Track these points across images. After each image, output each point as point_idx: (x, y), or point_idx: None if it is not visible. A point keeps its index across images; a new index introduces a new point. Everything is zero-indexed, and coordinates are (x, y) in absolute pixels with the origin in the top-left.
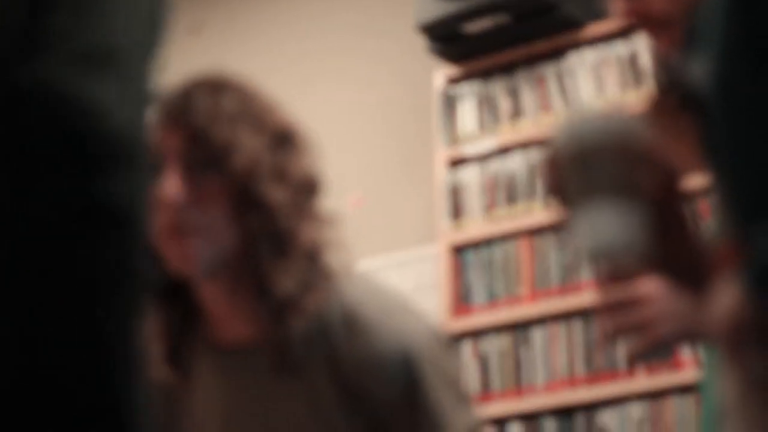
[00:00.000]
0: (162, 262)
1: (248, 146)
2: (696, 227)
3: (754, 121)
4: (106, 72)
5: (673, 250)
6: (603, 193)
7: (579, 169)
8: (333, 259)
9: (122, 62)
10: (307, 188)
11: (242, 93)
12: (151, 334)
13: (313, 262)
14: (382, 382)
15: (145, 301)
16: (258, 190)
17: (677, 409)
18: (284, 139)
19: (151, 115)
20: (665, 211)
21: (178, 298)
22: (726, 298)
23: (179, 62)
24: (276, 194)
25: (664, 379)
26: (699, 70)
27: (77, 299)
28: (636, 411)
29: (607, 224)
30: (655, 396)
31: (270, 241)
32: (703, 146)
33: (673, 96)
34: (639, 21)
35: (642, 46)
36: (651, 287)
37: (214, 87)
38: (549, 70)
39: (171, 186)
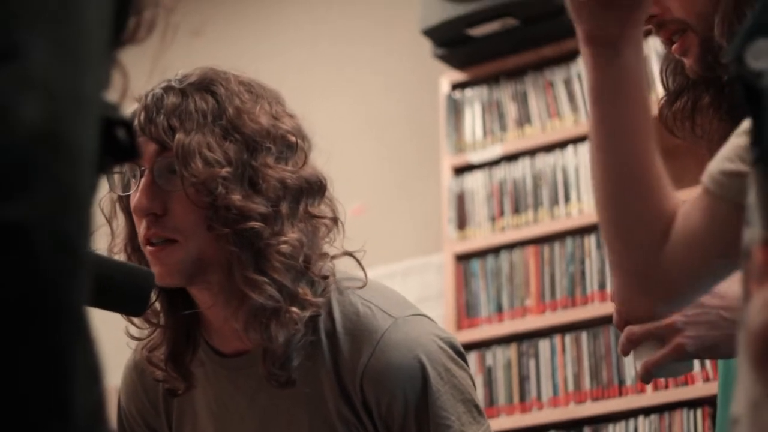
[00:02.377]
0: (153, 277)
1: (207, 151)
2: None
3: None
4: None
5: None
6: None
7: None
8: (333, 267)
9: (27, 54)
10: (291, 192)
11: (217, 94)
12: (157, 338)
13: (299, 270)
14: (394, 394)
15: (77, 332)
16: (222, 196)
17: (686, 423)
18: (260, 144)
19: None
20: None
21: (182, 305)
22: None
23: (180, 65)
24: (241, 200)
25: (672, 393)
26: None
27: None
28: (644, 426)
29: None
30: (663, 410)
31: (246, 249)
32: (756, 145)
33: (685, 100)
34: (653, 26)
35: (650, 51)
36: None
37: (189, 89)
38: (557, 76)
39: (141, 197)
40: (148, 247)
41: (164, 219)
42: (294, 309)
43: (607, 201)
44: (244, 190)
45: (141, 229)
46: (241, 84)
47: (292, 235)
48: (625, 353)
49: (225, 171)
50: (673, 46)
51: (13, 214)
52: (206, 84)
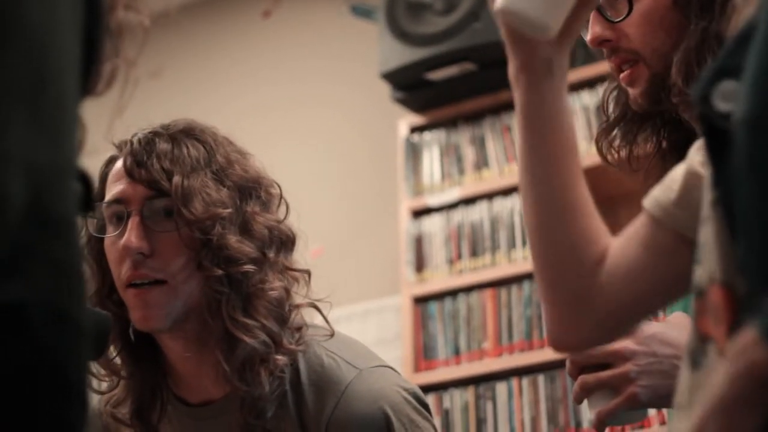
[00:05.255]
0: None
1: (207, 193)
2: None
3: None
4: None
5: None
6: None
7: None
8: (302, 314)
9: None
10: (275, 241)
11: (206, 143)
12: (121, 393)
13: (283, 318)
14: None
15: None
16: (218, 237)
17: None
18: (249, 191)
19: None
20: None
21: (146, 355)
22: (721, 375)
23: (138, 107)
24: (237, 242)
25: None
26: (723, 104)
27: None
28: None
29: None
30: None
31: (235, 293)
32: (717, 186)
33: (624, 130)
34: (606, 50)
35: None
36: (628, 342)
37: (178, 135)
38: (514, 120)
39: (128, 238)
40: (132, 289)
41: (152, 260)
42: (279, 356)
43: (538, 228)
44: (238, 233)
45: (124, 270)
46: (223, 136)
47: (278, 282)
48: (579, 401)
49: (225, 212)
50: (622, 75)
51: (10, 295)
52: (194, 132)
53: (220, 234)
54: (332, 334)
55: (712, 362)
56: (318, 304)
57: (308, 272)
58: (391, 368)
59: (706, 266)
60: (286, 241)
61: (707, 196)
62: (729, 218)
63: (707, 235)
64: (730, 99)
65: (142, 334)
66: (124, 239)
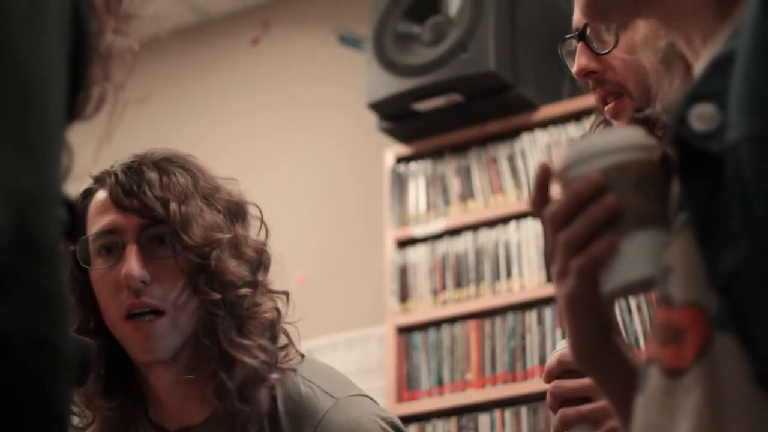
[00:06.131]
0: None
1: (204, 218)
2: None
3: None
4: None
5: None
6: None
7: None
8: (286, 340)
9: None
10: (261, 264)
11: (190, 170)
12: (97, 426)
13: (273, 337)
14: None
15: None
16: (216, 261)
17: None
18: (237, 214)
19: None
20: None
21: (124, 386)
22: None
23: (124, 132)
24: (234, 266)
25: None
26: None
27: None
28: None
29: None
30: None
31: (230, 315)
32: (688, 208)
33: None
34: (593, 82)
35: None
36: None
37: (163, 163)
38: (500, 151)
39: (130, 266)
40: (131, 322)
41: (151, 287)
42: (273, 375)
43: None
44: (233, 257)
45: (122, 300)
46: (201, 163)
47: (269, 303)
48: None
49: (225, 237)
50: (607, 107)
51: None
52: (177, 160)
53: (218, 258)
54: (304, 357)
55: (653, 383)
56: (288, 328)
57: (287, 293)
58: (369, 397)
59: (668, 286)
60: (268, 264)
61: (675, 220)
62: (700, 238)
63: (673, 257)
64: (706, 120)
65: (119, 365)
66: (125, 268)
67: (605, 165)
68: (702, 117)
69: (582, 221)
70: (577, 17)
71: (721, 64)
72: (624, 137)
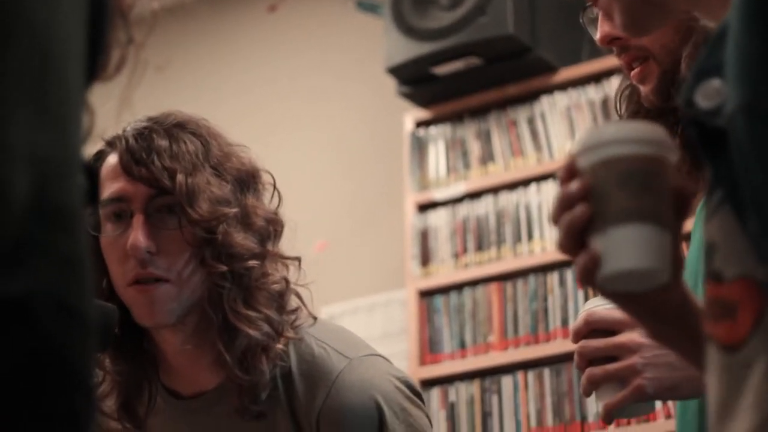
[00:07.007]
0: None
1: (211, 191)
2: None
3: None
4: None
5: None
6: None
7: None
8: (297, 303)
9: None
10: (272, 232)
11: (202, 136)
12: (107, 386)
13: (280, 307)
14: None
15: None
16: (223, 235)
17: None
18: (247, 183)
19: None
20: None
21: (134, 349)
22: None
23: (144, 100)
24: (241, 239)
25: (634, 429)
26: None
27: None
28: None
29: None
30: None
31: (237, 286)
32: (720, 185)
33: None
34: (616, 48)
35: (614, 90)
36: (634, 335)
37: (174, 131)
38: (520, 114)
39: (136, 237)
40: (135, 286)
41: (157, 258)
42: (279, 344)
43: None
44: (240, 229)
45: (128, 268)
46: (214, 128)
47: (278, 274)
48: (587, 394)
49: (232, 211)
50: (632, 72)
51: (14, 288)
52: (189, 126)
53: (224, 232)
54: (325, 325)
55: (712, 360)
56: (302, 292)
57: (299, 259)
58: (382, 357)
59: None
60: (280, 231)
61: (709, 202)
62: (738, 213)
63: (714, 235)
64: (712, 96)
65: (130, 329)
66: (131, 239)
67: (593, 160)
68: (707, 93)
69: (562, 227)
70: None
71: (721, 37)
72: (615, 132)
